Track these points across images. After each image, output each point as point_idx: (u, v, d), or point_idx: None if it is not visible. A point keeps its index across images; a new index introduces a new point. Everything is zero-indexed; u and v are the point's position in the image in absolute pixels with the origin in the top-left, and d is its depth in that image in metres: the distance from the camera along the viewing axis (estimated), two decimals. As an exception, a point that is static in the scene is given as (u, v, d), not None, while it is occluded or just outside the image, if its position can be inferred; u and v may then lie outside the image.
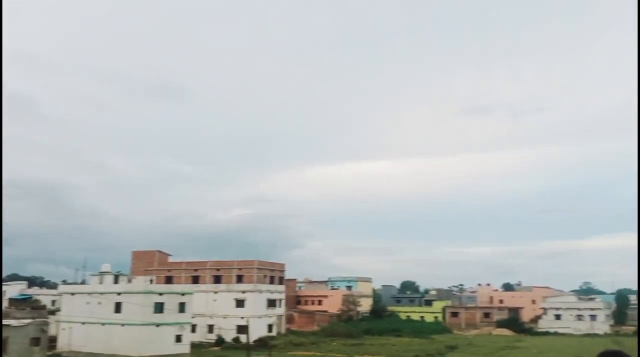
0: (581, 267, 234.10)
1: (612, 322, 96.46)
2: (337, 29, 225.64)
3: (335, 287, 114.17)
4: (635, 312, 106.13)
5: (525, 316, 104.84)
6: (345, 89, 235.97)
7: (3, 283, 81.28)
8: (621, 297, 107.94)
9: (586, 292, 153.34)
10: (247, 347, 52.03)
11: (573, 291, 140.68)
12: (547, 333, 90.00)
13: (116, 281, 61.37)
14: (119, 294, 57.58)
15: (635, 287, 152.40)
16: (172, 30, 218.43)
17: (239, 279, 73.94)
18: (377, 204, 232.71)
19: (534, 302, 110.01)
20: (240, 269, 74.47)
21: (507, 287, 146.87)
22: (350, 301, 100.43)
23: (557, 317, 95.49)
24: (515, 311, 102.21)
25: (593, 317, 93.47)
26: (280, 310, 78.53)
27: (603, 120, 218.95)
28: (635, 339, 79.16)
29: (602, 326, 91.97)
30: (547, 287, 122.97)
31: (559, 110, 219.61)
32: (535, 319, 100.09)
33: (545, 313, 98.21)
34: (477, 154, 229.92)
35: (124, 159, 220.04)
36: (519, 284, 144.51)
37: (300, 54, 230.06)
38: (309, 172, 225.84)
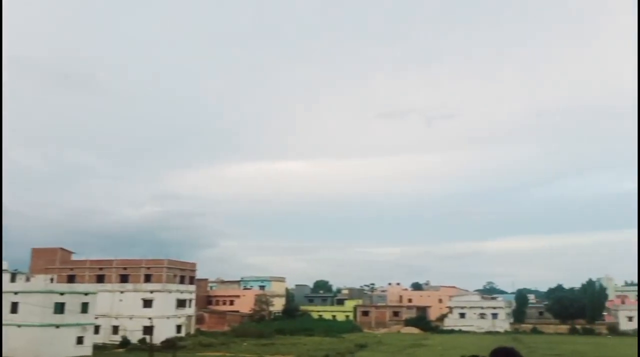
0: (485, 267, 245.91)
1: (511, 320, 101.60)
2: (255, 26, 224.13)
3: (248, 287, 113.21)
4: (533, 311, 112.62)
5: (432, 314, 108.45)
6: (264, 88, 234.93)
7: None
8: (521, 296, 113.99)
9: (489, 291, 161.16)
10: (150, 348, 50.33)
11: (477, 290, 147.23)
12: (452, 331, 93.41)
13: (13, 280, 57.92)
14: (15, 293, 54.16)
15: (534, 287, 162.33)
16: (84, 17, 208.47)
17: (148, 278, 71.46)
18: (292, 204, 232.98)
19: (440, 301, 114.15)
20: (149, 268, 71.98)
21: (416, 286, 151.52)
22: (262, 300, 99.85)
23: (462, 315, 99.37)
24: (423, 310, 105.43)
25: (495, 315, 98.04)
26: (190, 310, 76.70)
27: (510, 127, 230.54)
28: (533, 337, 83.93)
29: (503, 324, 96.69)
30: (454, 287, 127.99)
31: (468, 117, 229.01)
32: (442, 318, 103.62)
33: (450, 312, 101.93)
34: (392, 156, 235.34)
35: (26, 150, 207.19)
36: (427, 284, 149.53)
37: (218, 50, 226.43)
38: (224, 170, 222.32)
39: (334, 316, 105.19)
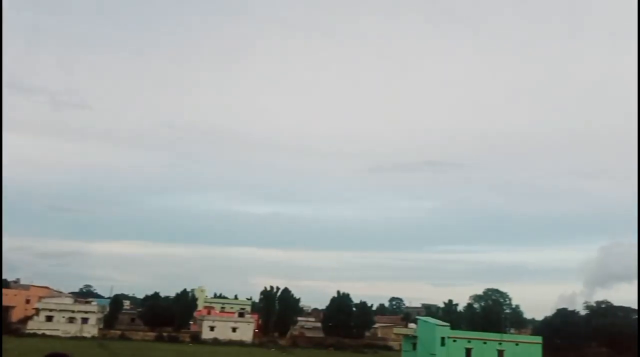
0: (86, 269, 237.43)
1: (102, 325, 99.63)
2: None
3: None
4: (126, 317, 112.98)
5: (16, 316, 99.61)
6: None
7: None
8: (116, 302, 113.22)
9: (86, 295, 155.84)
10: None
11: (74, 292, 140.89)
12: (35, 335, 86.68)
13: None
14: None
15: (132, 293, 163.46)
16: None
17: None
18: None
19: (28, 302, 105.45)
20: None
21: (4, 284, 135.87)
22: None
23: (49, 318, 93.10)
24: (5, 311, 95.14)
25: (85, 320, 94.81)
26: None
27: (141, 133, 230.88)
28: (120, 343, 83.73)
29: (92, 329, 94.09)
30: (47, 287, 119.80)
31: (102, 112, 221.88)
32: (26, 320, 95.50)
33: (37, 314, 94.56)
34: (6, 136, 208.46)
35: None
36: (17, 282, 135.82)
37: None
38: None
39: None
